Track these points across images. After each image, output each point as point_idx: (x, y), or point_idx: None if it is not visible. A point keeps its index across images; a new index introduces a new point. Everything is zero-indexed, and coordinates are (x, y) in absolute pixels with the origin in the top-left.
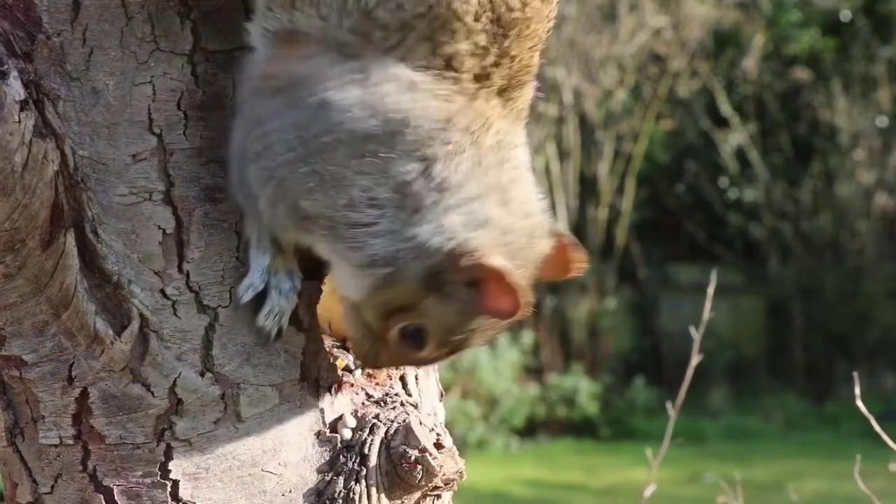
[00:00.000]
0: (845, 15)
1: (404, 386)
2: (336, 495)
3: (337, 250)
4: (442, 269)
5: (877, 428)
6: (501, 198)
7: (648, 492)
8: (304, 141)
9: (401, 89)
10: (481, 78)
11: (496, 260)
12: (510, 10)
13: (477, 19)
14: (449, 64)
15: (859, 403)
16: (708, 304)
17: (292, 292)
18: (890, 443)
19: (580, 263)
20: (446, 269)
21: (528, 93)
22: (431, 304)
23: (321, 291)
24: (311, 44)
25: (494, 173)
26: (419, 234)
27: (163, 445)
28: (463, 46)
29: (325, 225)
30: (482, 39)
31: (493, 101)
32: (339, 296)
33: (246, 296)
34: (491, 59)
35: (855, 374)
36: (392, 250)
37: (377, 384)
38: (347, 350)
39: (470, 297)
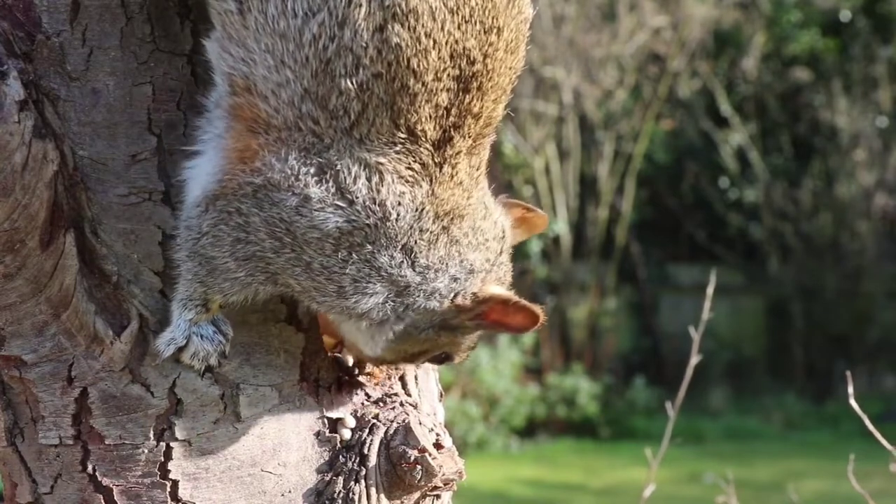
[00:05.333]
0: (845, 15)
1: (404, 386)
2: (335, 495)
3: (342, 321)
4: (448, 316)
5: (871, 428)
6: (477, 248)
7: (648, 492)
8: (290, 233)
9: (372, 179)
10: (442, 144)
11: (493, 289)
12: (471, 63)
13: (437, 78)
14: (412, 134)
15: (853, 403)
16: (708, 304)
17: (217, 335)
18: (885, 443)
19: (543, 222)
20: (453, 316)
21: (486, 150)
22: (445, 338)
23: None
24: (264, 152)
25: (466, 246)
26: (416, 301)
27: (162, 445)
28: (424, 111)
29: (313, 298)
30: (443, 99)
31: (456, 176)
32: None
33: (167, 350)
34: (451, 119)
35: (848, 373)
36: (393, 311)
37: (376, 384)
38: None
39: (481, 324)
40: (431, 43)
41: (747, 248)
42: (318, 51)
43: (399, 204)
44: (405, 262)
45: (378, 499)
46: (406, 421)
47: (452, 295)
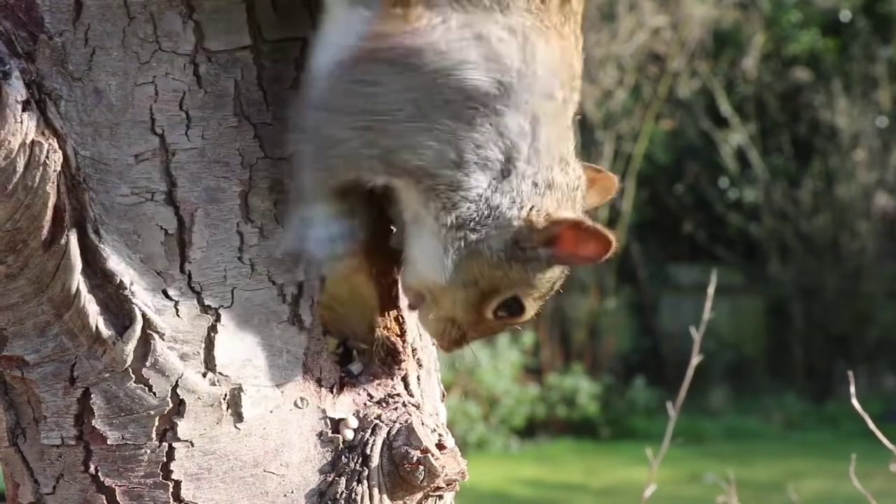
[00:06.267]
0: (845, 15)
1: (406, 386)
2: (338, 496)
3: (428, 208)
4: (519, 236)
5: (873, 427)
6: (563, 167)
7: (649, 492)
8: (420, 102)
9: (514, 39)
10: (564, 3)
11: (568, 213)
12: None
13: None
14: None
15: (855, 403)
16: (709, 304)
17: (340, 240)
18: (887, 443)
19: (613, 183)
20: (524, 236)
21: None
22: (517, 272)
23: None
24: (425, 11)
25: (564, 143)
26: (501, 206)
27: (165, 446)
28: None
29: (428, 184)
30: None
31: (571, 37)
32: (414, 293)
33: (329, 247)
34: None
35: (850, 373)
36: (480, 216)
37: (379, 384)
38: (349, 351)
39: (552, 255)
40: None
41: (747, 248)
42: None
43: (538, 61)
44: (529, 134)
45: (381, 499)
46: (409, 421)
47: (529, 207)
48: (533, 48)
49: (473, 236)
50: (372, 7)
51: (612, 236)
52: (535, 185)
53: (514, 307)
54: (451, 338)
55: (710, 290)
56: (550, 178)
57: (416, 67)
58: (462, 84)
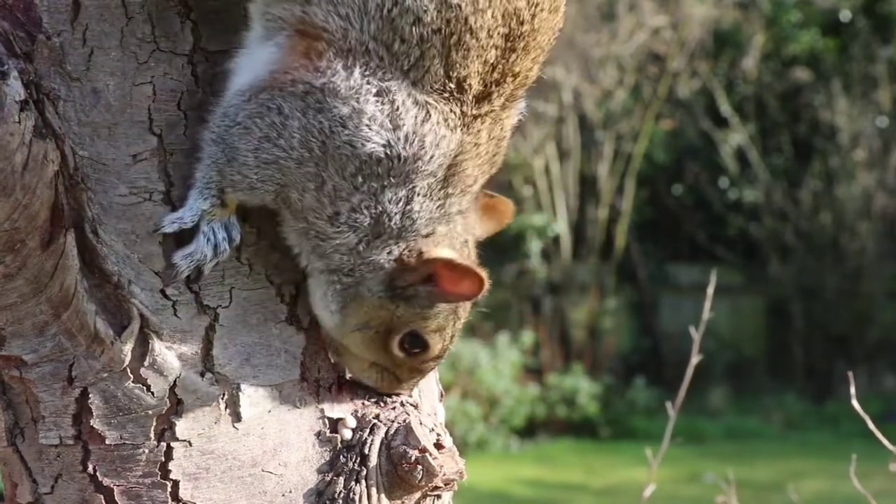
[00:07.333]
0: (845, 15)
1: None
2: (336, 495)
3: (301, 246)
4: (394, 276)
5: (872, 428)
6: (447, 222)
7: (648, 492)
8: (323, 146)
9: (422, 116)
10: (482, 99)
11: (440, 251)
12: (521, 23)
13: (490, 35)
14: (461, 87)
15: (855, 404)
16: (708, 304)
17: (225, 243)
18: (887, 444)
19: (509, 209)
20: (398, 276)
21: (509, 125)
22: (403, 310)
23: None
24: (330, 53)
25: (456, 201)
26: (373, 256)
27: (163, 446)
28: (474, 66)
29: (302, 226)
30: (491, 56)
31: (483, 132)
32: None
33: (170, 227)
34: (495, 76)
35: (850, 373)
36: (350, 264)
37: None
38: None
39: (430, 292)
40: (487, 3)
41: (747, 248)
42: (384, 14)
43: (436, 146)
44: (402, 202)
45: (379, 499)
46: (407, 421)
47: (400, 250)
48: (431, 126)
49: (348, 279)
50: (280, 39)
51: (483, 274)
52: (411, 230)
53: (416, 342)
54: (387, 381)
55: (710, 290)
56: (429, 230)
57: (318, 108)
58: (353, 139)
